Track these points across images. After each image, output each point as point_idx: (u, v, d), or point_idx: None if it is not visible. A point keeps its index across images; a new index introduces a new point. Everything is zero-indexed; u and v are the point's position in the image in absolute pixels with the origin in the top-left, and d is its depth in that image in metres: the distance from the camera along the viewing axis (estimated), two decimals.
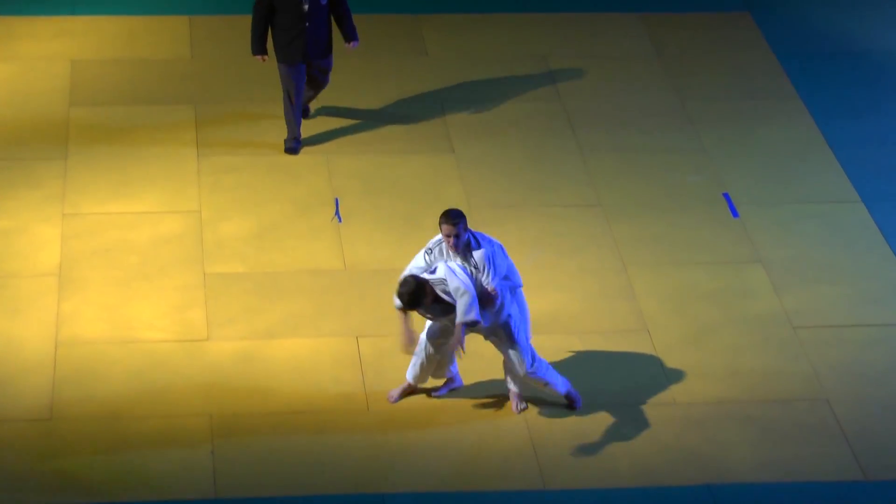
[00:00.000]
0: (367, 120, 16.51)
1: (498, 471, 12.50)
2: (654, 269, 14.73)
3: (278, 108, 16.23)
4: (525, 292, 13.42)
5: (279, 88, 16.09)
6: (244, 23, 16.29)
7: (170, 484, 12.26)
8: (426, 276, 12.41)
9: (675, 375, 13.48)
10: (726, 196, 15.71)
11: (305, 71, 15.93)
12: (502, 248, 12.80)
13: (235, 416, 12.88)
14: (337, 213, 15.20)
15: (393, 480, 12.44)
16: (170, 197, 15.41)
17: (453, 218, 12.43)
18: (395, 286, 12.23)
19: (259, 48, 15.86)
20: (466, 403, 13.16)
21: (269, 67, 15.92)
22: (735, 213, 15.47)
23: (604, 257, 14.83)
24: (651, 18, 18.79)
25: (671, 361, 13.60)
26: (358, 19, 16.09)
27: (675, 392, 13.33)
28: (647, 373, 13.57)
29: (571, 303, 14.18)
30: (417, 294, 12.28)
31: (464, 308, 12.40)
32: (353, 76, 16.62)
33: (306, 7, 15.56)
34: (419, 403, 13.11)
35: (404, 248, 14.72)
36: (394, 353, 13.48)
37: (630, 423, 12.90)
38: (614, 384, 13.35)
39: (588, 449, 12.63)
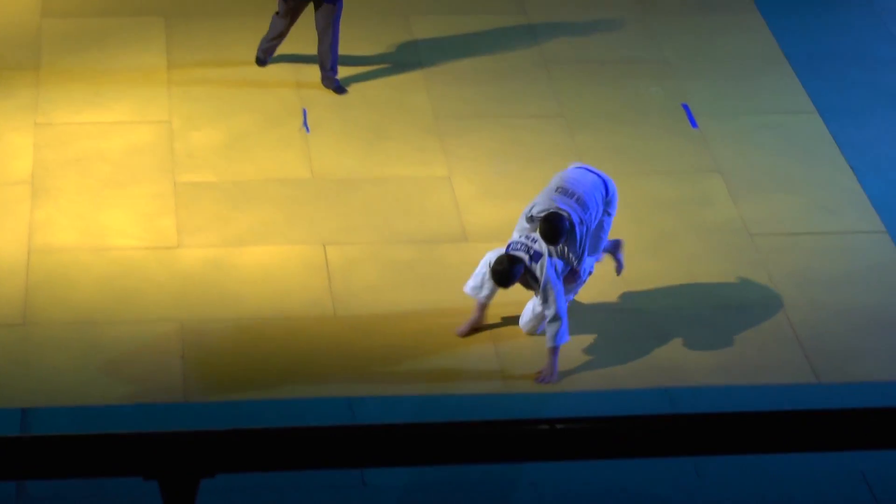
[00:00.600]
0: None
1: (461, 375, 12.60)
2: (614, 178, 14.67)
3: (249, 21, 16.25)
4: (490, 201, 13.49)
5: (250, 2, 16.02)
6: None
7: (140, 388, 12.38)
8: (526, 259, 12.42)
9: (635, 282, 13.61)
10: (686, 107, 15.74)
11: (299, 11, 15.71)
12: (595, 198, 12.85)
13: (205, 322, 13.01)
14: (305, 123, 15.22)
15: (358, 384, 12.50)
16: (141, 107, 15.45)
17: (550, 240, 12.46)
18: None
19: None
20: (432, 311, 13.18)
21: None
22: (694, 124, 15.51)
23: (566, 167, 14.82)
24: None
25: (631, 268, 13.64)
26: None
27: (634, 298, 13.53)
28: (606, 279, 13.57)
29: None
30: (507, 278, 12.38)
31: (554, 334, 12.53)
32: None
33: None
34: (383, 309, 13.24)
35: (371, 157, 14.89)
36: (360, 261, 13.52)
37: (589, 328, 13.07)
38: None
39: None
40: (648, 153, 15.21)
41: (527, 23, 16.88)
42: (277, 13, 15.71)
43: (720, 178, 14.85)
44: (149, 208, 14.20)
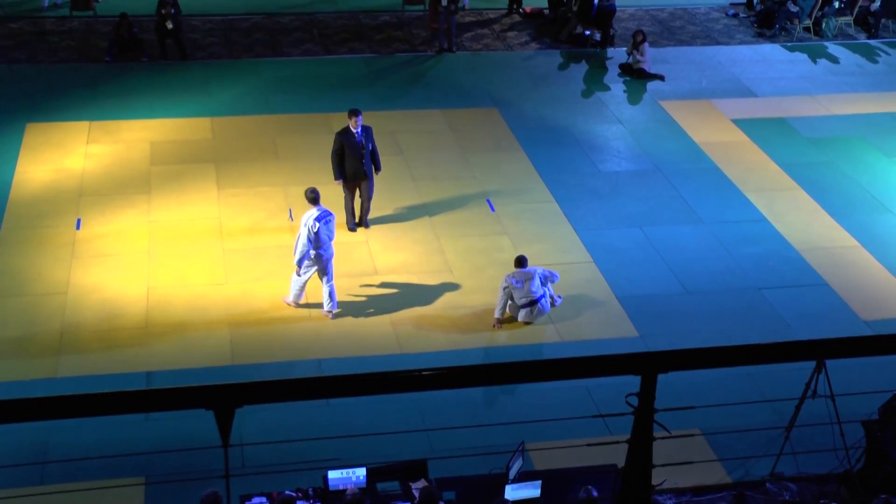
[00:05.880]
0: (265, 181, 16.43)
1: (371, 344, 12.60)
2: (455, 237, 14.84)
3: (258, 164, 16.14)
4: (388, 254, 13.41)
5: (260, 152, 15.98)
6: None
7: (212, 358, 12.31)
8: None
9: (467, 291, 13.58)
10: (488, 200, 15.79)
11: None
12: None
13: (242, 325, 12.99)
14: (290, 216, 15.11)
15: (322, 352, 12.36)
16: (204, 210, 15.29)
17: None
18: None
19: (337, 175, 14.41)
20: (355, 311, 13.12)
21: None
22: (493, 209, 15.57)
23: (426, 232, 14.87)
24: (447, 113, 18.28)
25: (464, 288, 13.68)
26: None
27: (466, 297, 13.45)
28: (447, 288, 13.65)
29: (408, 257, 14.18)
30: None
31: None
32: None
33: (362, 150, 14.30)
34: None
35: None
36: (322, 289, 13.43)
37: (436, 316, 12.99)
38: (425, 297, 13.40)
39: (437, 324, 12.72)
40: (469, 224, 15.10)
41: (404, 161, 16.83)
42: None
43: (507, 237, 14.82)
44: (209, 262, 14.10)
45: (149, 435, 10.92)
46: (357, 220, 14.80)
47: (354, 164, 14.30)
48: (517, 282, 12.75)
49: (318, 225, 12.51)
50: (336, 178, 14.48)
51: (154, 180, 15.94)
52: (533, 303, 12.81)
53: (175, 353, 12.28)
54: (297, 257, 12.65)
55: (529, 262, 13.21)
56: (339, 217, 14.57)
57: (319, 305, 13.17)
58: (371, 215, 15.10)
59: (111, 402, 5.15)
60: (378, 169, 14.68)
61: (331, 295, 12.85)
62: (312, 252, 12.60)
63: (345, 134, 14.24)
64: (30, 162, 16.23)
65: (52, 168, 16.09)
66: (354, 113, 14.21)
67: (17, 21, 21.72)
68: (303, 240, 12.52)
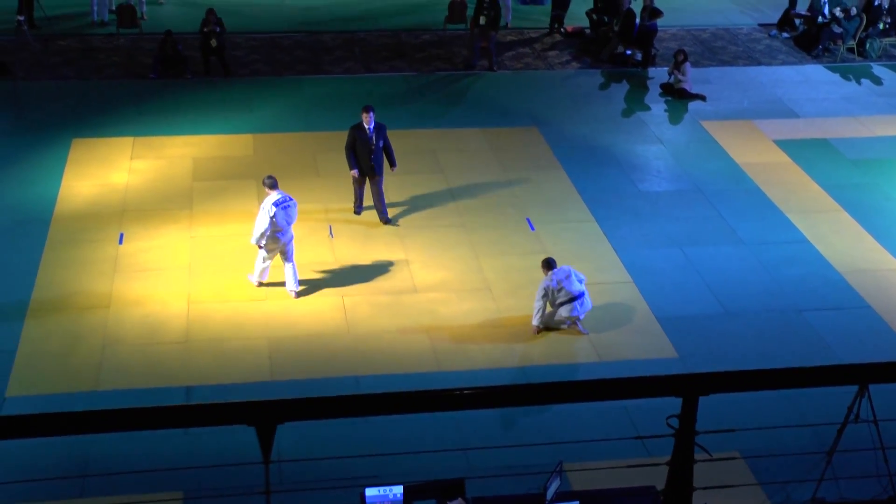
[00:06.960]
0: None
1: (410, 362, 12.57)
2: (494, 255, 14.83)
3: (295, 182, 16.18)
4: (429, 271, 13.37)
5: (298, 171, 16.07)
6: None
7: (250, 373, 12.30)
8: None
9: (506, 309, 13.56)
10: (528, 220, 15.77)
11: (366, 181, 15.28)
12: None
13: (280, 339, 12.97)
14: (331, 233, 15.17)
15: (361, 369, 12.39)
16: (244, 225, 15.28)
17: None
18: None
19: (351, 165, 15.03)
20: (397, 329, 13.11)
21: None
22: (532, 228, 15.55)
23: (465, 251, 14.89)
24: (487, 131, 18.35)
25: (503, 306, 13.66)
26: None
27: (505, 315, 13.44)
28: (485, 306, 13.61)
29: (448, 275, 14.16)
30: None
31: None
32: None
33: (372, 145, 14.87)
34: (374, 329, 13.10)
35: (365, 249, 14.73)
36: (361, 304, 13.46)
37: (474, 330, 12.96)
38: (471, 317, 13.39)
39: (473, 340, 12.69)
40: (508, 243, 15.11)
41: (444, 178, 16.89)
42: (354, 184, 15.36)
43: (546, 255, 14.85)
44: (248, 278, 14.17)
45: (187, 449, 10.97)
46: (368, 210, 15.27)
47: (364, 160, 14.86)
48: (556, 283, 12.82)
49: (275, 209, 13.04)
50: (351, 168, 15.03)
51: (196, 196, 16.06)
52: (573, 298, 12.89)
53: (215, 368, 12.33)
54: (254, 238, 13.30)
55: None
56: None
57: (347, 316, 13.28)
58: (410, 232, 15.16)
59: (160, 417, 5.18)
60: (393, 164, 15.23)
61: (293, 275, 13.48)
62: (269, 233, 13.18)
63: (357, 129, 14.80)
64: (75, 177, 16.47)
65: (97, 183, 16.30)
66: (367, 109, 14.76)
67: (66, 38, 22.08)
68: (259, 222, 13.19)
